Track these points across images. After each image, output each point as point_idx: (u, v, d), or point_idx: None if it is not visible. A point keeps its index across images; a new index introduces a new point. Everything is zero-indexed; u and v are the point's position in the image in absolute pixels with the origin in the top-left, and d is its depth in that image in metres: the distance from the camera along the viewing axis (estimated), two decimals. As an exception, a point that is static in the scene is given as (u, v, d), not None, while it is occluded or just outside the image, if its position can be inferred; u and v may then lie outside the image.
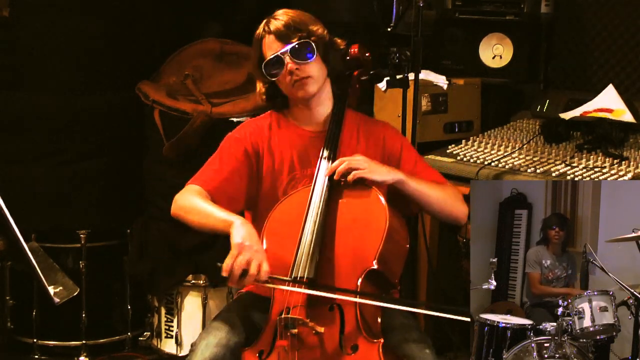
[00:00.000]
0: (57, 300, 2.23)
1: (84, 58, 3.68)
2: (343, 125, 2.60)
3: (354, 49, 2.67)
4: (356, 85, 2.68)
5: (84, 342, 3.69)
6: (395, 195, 2.52)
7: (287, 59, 2.50)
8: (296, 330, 2.26)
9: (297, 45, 2.50)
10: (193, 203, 2.49)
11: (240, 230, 2.32)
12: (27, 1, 3.63)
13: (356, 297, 2.31)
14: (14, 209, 2.16)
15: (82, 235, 3.64)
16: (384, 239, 2.34)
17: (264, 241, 2.44)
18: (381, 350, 2.23)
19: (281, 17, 2.54)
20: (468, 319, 2.38)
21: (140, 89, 3.65)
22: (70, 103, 3.68)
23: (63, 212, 3.71)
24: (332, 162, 2.50)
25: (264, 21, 2.58)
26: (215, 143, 2.98)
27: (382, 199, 2.41)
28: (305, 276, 2.33)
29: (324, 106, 2.62)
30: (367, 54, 2.68)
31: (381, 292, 2.45)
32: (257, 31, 2.58)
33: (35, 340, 3.70)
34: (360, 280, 2.32)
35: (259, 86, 2.65)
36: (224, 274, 2.27)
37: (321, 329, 2.26)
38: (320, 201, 2.43)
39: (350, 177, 2.45)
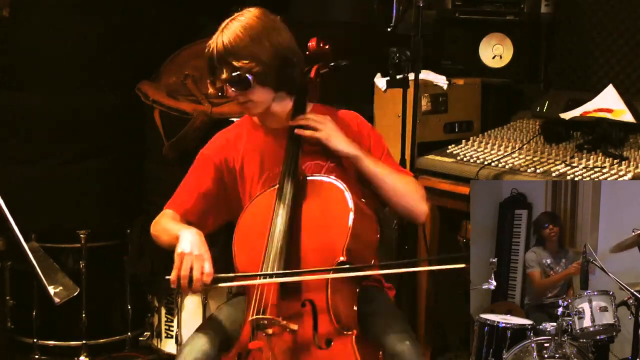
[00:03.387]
0: (57, 300, 2.24)
1: (84, 58, 3.68)
2: None
3: (312, 44, 2.63)
4: (317, 79, 2.62)
5: (84, 342, 3.69)
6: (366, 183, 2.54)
7: (227, 86, 2.51)
8: (271, 331, 2.26)
9: (233, 78, 2.48)
10: (160, 226, 2.57)
11: (181, 241, 2.37)
12: (27, 1, 3.63)
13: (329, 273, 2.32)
14: (14, 209, 2.16)
15: (82, 235, 3.64)
16: (350, 232, 2.35)
17: (236, 244, 2.46)
18: (354, 343, 2.23)
19: (221, 39, 2.48)
20: (463, 265, 2.34)
21: (140, 89, 3.65)
22: (70, 103, 3.68)
23: (63, 212, 3.70)
24: (295, 160, 2.49)
25: (220, 28, 2.52)
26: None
27: (347, 193, 2.41)
28: (275, 272, 2.33)
29: (282, 105, 2.59)
30: (326, 47, 2.64)
31: (354, 282, 2.44)
32: (211, 40, 2.51)
33: (35, 340, 3.70)
34: (330, 272, 2.32)
35: None
36: (173, 285, 2.33)
37: (295, 327, 2.26)
38: (286, 198, 2.43)
39: (307, 133, 2.48)
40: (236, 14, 2.54)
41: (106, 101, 3.72)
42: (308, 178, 2.50)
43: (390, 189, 2.53)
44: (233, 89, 2.50)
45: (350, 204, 2.39)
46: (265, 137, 2.63)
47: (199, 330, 2.51)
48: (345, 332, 2.26)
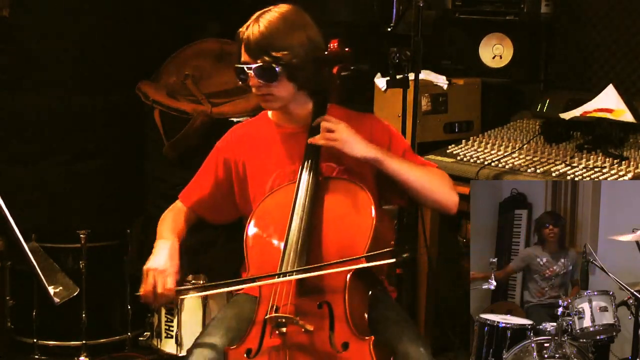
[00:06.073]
0: (57, 300, 2.23)
1: (84, 58, 3.69)
2: None
3: (333, 45, 2.59)
4: (337, 82, 2.59)
5: (84, 342, 3.69)
6: (386, 183, 2.51)
7: (252, 74, 2.46)
8: (286, 329, 2.25)
9: (261, 67, 2.44)
10: (160, 226, 2.63)
11: (152, 255, 2.48)
12: (27, 1, 3.63)
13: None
14: (14, 209, 2.16)
15: (82, 235, 3.64)
16: (372, 236, 2.33)
17: (249, 238, 2.45)
18: (372, 348, 2.21)
19: (258, 27, 2.46)
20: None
21: (140, 89, 3.65)
22: (70, 103, 3.68)
23: (63, 212, 3.71)
24: (316, 159, 2.47)
25: (254, 17, 2.50)
26: (215, 143, 3.01)
27: (369, 196, 2.40)
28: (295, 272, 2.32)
29: (302, 106, 2.56)
30: (346, 49, 2.60)
31: (368, 288, 2.43)
32: (243, 28, 2.50)
33: (35, 340, 3.70)
34: (349, 276, 2.31)
35: None
36: (142, 301, 2.42)
37: (311, 327, 2.24)
38: (305, 197, 2.41)
39: (322, 142, 2.44)
40: (270, 6, 2.51)
41: (106, 101, 3.73)
42: (329, 178, 2.48)
43: (418, 185, 2.47)
44: (259, 80, 2.45)
45: (373, 207, 2.37)
46: (277, 136, 2.60)
47: (207, 330, 2.49)
48: (363, 337, 2.24)
